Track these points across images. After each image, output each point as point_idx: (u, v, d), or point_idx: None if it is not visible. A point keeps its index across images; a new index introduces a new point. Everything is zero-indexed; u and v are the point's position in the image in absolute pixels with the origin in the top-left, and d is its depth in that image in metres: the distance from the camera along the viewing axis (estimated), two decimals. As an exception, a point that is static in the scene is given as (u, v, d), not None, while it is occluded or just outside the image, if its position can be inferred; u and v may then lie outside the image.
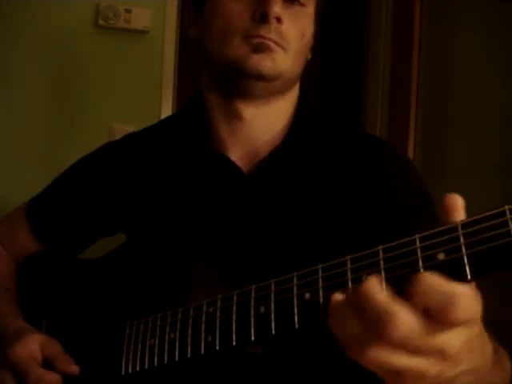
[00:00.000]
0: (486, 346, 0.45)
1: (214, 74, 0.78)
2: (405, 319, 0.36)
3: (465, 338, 0.38)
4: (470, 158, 1.47)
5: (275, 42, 0.71)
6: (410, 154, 1.67)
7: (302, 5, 0.75)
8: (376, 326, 0.37)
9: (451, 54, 1.60)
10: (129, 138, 0.91)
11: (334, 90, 2.46)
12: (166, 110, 1.72)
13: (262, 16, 0.70)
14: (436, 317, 0.36)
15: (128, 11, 1.67)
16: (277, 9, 0.70)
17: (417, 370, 0.38)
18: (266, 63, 0.71)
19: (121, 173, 0.86)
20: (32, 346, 0.71)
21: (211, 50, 0.75)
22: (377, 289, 0.37)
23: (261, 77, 0.72)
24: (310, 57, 0.81)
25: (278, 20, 0.71)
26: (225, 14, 0.73)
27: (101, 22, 1.66)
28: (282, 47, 0.72)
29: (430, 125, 1.67)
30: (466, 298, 0.36)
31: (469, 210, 0.44)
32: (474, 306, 0.37)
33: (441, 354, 0.38)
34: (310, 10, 0.77)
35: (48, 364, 0.71)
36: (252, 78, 0.72)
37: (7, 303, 0.84)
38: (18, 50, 1.64)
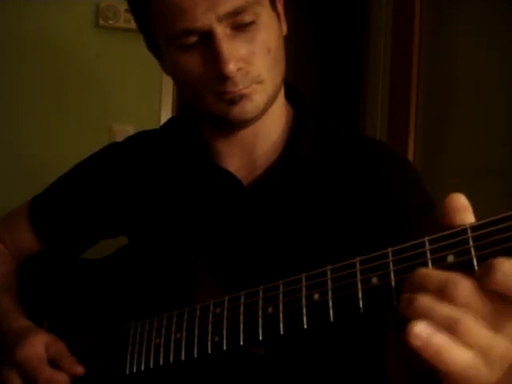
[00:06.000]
0: None
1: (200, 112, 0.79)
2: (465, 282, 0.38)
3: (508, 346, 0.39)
4: (469, 158, 1.48)
5: (247, 87, 0.70)
6: (410, 154, 1.67)
7: (252, 23, 0.69)
8: (441, 292, 0.39)
9: (451, 55, 1.60)
10: (133, 140, 0.91)
11: (333, 91, 2.47)
12: (166, 110, 1.72)
13: (221, 76, 0.68)
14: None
15: (128, 11, 1.65)
16: (232, 66, 0.67)
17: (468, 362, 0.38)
18: (247, 110, 0.71)
19: (124, 175, 0.86)
20: (38, 347, 0.72)
21: (188, 100, 0.77)
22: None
23: (245, 121, 0.73)
24: (285, 32, 0.77)
25: (239, 68, 0.68)
26: (185, 71, 0.71)
27: (101, 22, 1.66)
28: (257, 82, 0.71)
29: (430, 125, 1.67)
30: None
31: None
32: None
33: (488, 350, 0.38)
34: (263, 18, 0.70)
35: (52, 364, 0.71)
36: (237, 125, 0.74)
37: (9, 301, 0.84)
38: (17, 50, 1.64)
